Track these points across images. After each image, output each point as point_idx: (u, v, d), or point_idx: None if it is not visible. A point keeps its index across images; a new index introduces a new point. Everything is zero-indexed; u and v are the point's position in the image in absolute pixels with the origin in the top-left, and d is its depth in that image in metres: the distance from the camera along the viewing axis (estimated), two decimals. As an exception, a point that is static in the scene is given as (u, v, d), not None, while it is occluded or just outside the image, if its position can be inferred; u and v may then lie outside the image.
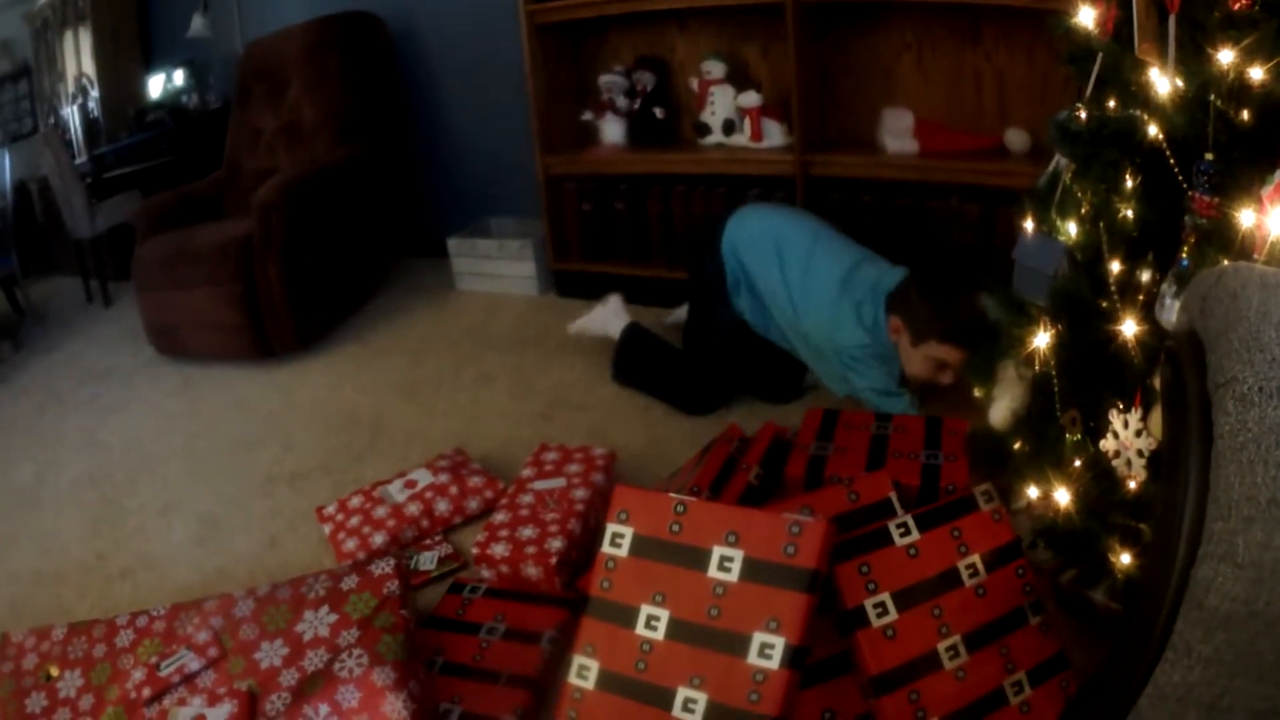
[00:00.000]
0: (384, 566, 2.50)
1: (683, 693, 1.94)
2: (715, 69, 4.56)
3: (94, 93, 7.11)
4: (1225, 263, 1.48)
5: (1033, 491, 2.42)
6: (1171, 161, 1.92)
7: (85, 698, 2.40)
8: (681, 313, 4.16)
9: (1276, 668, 1.25)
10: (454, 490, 3.19)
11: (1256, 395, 1.19)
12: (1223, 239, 1.70)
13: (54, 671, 2.48)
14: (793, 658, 1.87)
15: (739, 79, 4.61)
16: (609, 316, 4.16)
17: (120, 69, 7.13)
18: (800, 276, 3.42)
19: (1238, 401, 1.21)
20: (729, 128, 4.59)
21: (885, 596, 2.04)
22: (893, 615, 2.02)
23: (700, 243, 3.83)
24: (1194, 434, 1.28)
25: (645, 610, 2.05)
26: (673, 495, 2.13)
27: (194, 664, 2.34)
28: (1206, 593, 1.23)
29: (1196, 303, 1.37)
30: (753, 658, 1.90)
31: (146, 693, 2.31)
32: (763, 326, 3.61)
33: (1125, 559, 2.13)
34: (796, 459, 2.76)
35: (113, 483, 3.79)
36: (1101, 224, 2.16)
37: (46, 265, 7.19)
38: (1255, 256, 1.56)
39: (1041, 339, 2.35)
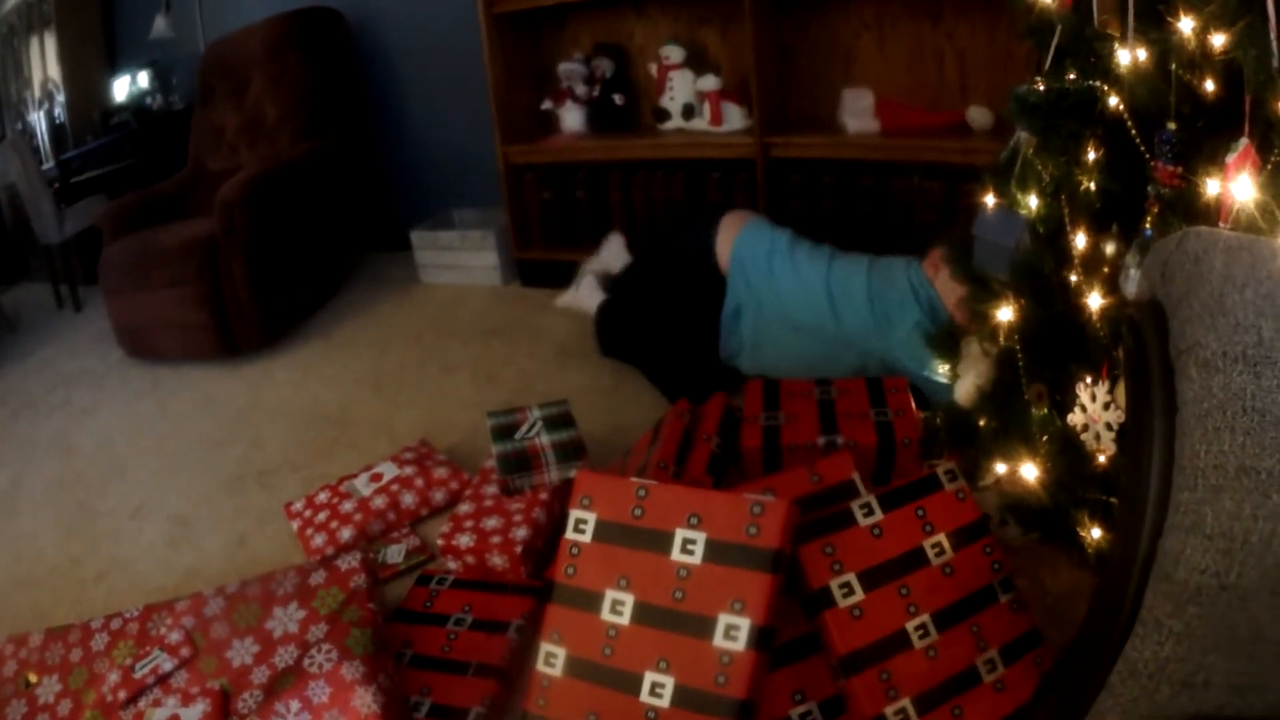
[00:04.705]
0: (351, 561, 2.49)
1: (650, 677, 1.93)
2: (674, 54, 4.54)
3: (60, 97, 7.04)
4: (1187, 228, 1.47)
5: (1000, 468, 2.42)
6: (1133, 132, 1.91)
7: (64, 703, 2.41)
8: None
9: (1251, 642, 1.23)
10: (419, 483, 3.18)
11: (1221, 360, 1.17)
12: (1187, 208, 1.69)
13: (33, 678, 2.48)
14: (759, 639, 1.86)
15: (698, 63, 4.59)
16: (613, 253, 4.24)
17: (85, 73, 7.06)
18: (827, 271, 3.34)
19: (1201, 368, 1.19)
20: (688, 112, 4.57)
21: (851, 577, 2.02)
22: (859, 595, 2.01)
23: (669, 238, 3.84)
24: (1157, 403, 1.27)
25: (610, 595, 2.03)
26: (634, 480, 2.12)
27: (167, 664, 2.33)
28: (1175, 565, 1.22)
29: (1157, 268, 1.35)
30: (719, 640, 1.88)
31: (122, 695, 2.31)
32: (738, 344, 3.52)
33: (1096, 533, 2.13)
34: (750, 432, 2.73)
35: (85, 486, 3.76)
36: (1063, 196, 2.15)
37: (16, 272, 7.12)
38: (1220, 225, 1.55)
39: (1004, 313, 2.34)
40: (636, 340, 3.81)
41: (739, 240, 3.52)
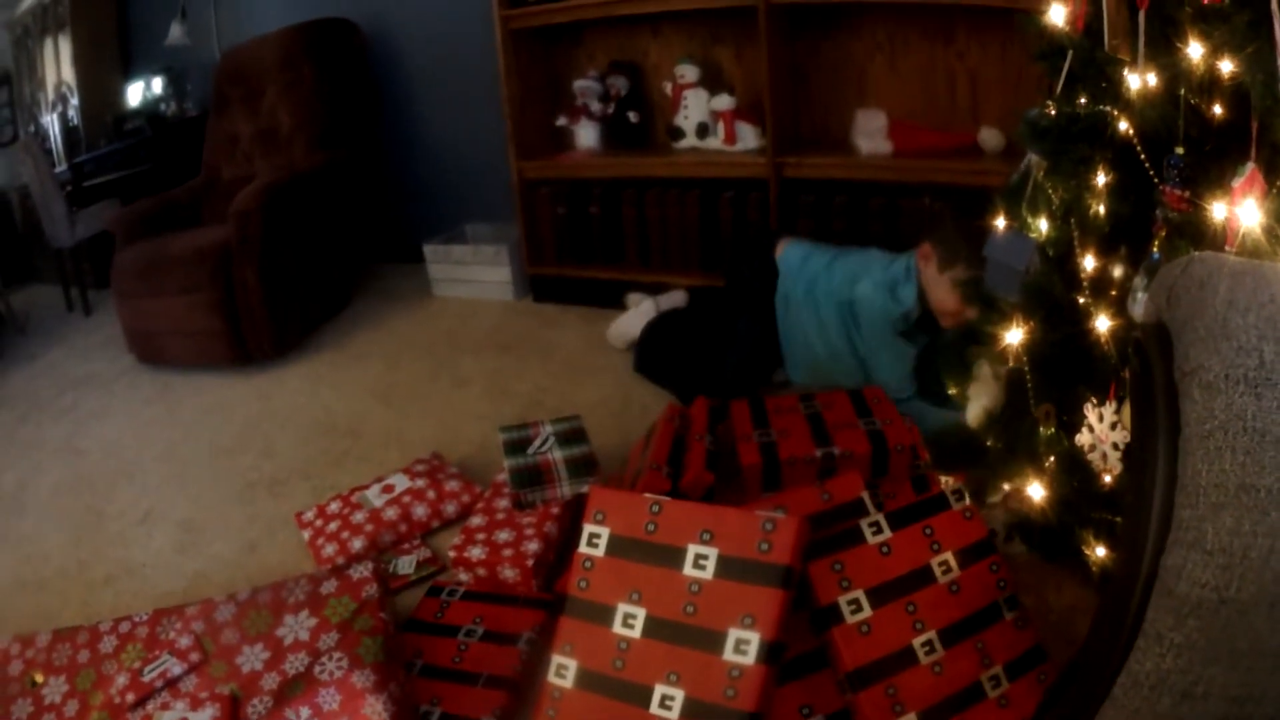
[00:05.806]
0: (362, 570, 2.49)
1: (660, 690, 1.94)
2: (689, 72, 4.56)
3: (73, 101, 7.06)
4: (1193, 253, 1.49)
5: (1007, 486, 2.44)
6: (1142, 156, 1.93)
7: (70, 703, 2.40)
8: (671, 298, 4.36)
9: (1250, 654, 1.25)
10: (431, 495, 3.18)
11: (1223, 383, 1.20)
12: (1194, 232, 1.71)
13: (39, 678, 2.47)
14: (768, 653, 1.87)
15: (712, 82, 4.61)
16: (636, 317, 4.30)
17: (99, 77, 7.09)
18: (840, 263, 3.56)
19: (1204, 389, 1.21)
20: (702, 131, 4.59)
21: (859, 593, 2.04)
22: (867, 611, 2.02)
23: (740, 259, 3.96)
24: (1161, 423, 1.29)
25: (622, 609, 2.05)
26: (648, 495, 2.14)
27: (176, 669, 2.33)
28: (1177, 580, 1.24)
29: (1163, 292, 1.37)
30: (729, 654, 1.89)
31: (130, 698, 2.31)
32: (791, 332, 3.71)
33: (1100, 552, 2.14)
34: (747, 449, 2.74)
35: (93, 490, 3.76)
36: (1073, 219, 2.17)
37: (27, 274, 7.15)
38: (1227, 248, 1.57)
39: (1014, 335, 2.36)
40: (676, 355, 3.92)
41: (787, 248, 3.70)
